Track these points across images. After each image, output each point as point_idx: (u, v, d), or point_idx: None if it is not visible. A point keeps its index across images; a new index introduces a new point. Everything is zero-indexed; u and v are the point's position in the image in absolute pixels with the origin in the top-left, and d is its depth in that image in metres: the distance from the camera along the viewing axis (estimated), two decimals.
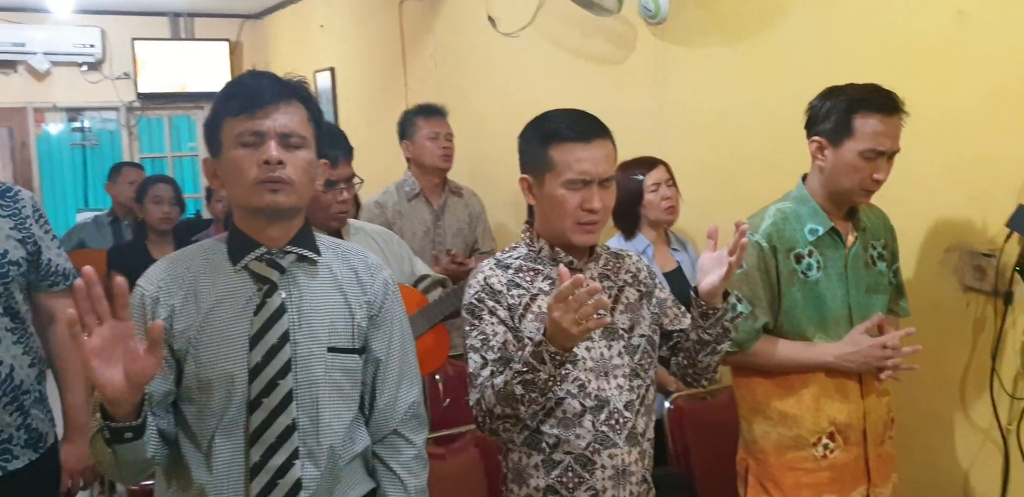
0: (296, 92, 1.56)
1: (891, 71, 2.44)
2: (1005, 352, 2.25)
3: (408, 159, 3.51)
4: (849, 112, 2.02)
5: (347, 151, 2.39)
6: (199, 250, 1.62)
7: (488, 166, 4.38)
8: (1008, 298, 2.22)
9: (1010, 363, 2.24)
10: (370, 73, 6.07)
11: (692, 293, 1.78)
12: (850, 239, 2.13)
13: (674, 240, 3.01)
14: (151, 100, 7.87)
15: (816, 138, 2.09)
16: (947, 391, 2.38)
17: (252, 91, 1.52)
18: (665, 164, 2.90)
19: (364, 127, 6.25)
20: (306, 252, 1.60)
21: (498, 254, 1.88)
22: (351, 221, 2.49)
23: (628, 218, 2.90)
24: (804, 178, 2.20)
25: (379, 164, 6.05)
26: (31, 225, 2.05)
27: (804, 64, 2.74)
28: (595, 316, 1.53)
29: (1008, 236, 2.21)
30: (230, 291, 1.55)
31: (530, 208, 1.89)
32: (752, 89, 2.94)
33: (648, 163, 2.90)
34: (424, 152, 3.42)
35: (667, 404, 2.62)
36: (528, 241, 1.86)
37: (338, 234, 2.37)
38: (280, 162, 1.50)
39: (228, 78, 7.88)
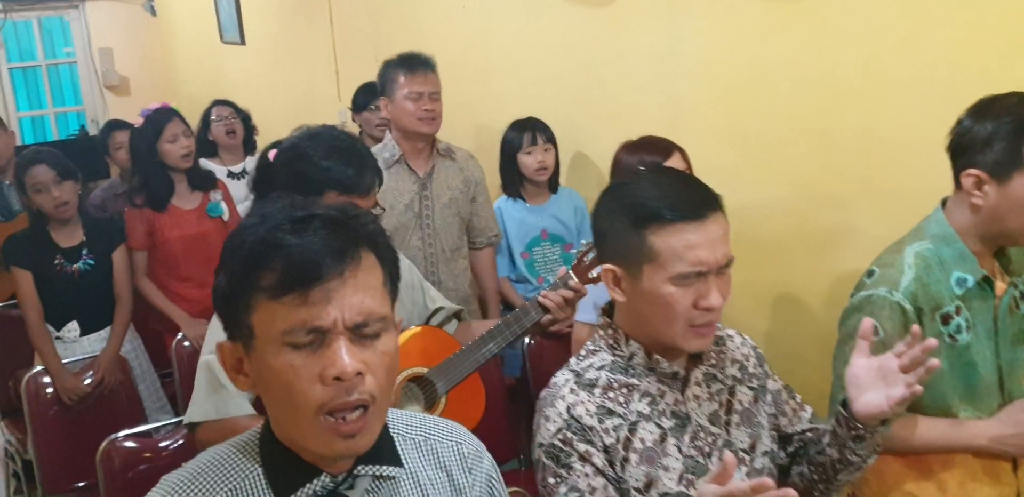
0: (366, 241, 0.99)
1: (1013, 38, 1.93)
2: None
3: (387, 119, 2.89)
4: (1019, 135, 1.55)
5: (378, 175, 1.91)
6: (220, 470, 1.05)
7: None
8: None
9: None
10: None
11: (841, 409, 1.37)
12: (1000, 286, 1.70)
13: None
14: (15, 0, 6.70)
15: (973, 172, 1.60)
16: None
17: (299, 257, 0.94)
18: (681, 150, 2.36)
19: (272, 47, 5.38)
20: (386, 469, 1.06)
21: (573, 362, 1.42)
22: None
23: None
24: (943, 204, 1.73)
25: (288, 100, 5.25)
26: None
27: (880, 16, 2.18)
28: None
29: None
30: None
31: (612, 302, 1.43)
32: (800, 42, 2.37)
33: (661, 148, 2.34)
34: (403, 114, 2.79)
35: None
36: (612, 343, 1.41)
37: None
38: (359, 373, 0.94)
39: None
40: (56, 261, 3.03)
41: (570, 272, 1.99)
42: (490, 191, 3.11)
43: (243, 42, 5.62)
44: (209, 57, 6.19)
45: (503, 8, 3.42)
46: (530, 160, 3.02)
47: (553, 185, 3.13)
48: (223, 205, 3.34)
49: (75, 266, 3.06)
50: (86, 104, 7.23)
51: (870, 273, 1.75)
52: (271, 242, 0.95)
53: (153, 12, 7.07)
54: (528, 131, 3.03)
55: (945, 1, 2.05)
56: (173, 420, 2.62)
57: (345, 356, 0.93)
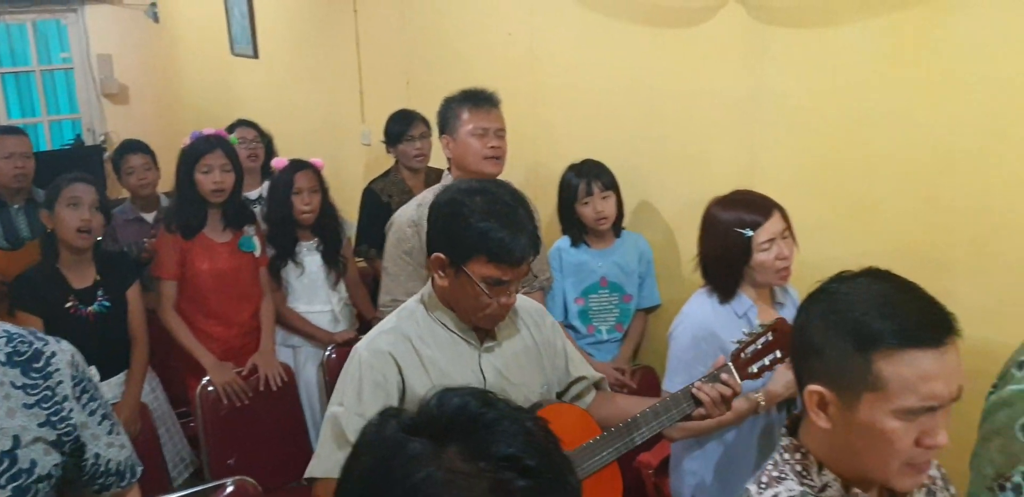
0: None
1: None
2: None
3: (449, 159, 2.72)
4: None
5: (535, 243, 1.77)
6: None
7: None
8: None
9: None
10: None
11: None
12: None
13: (777, 291, 2.36)
14: (9, 2, 6.45)
15: None
16: None
17: None
18: (781, 209, 2.19)
19: (288, 63, 5.18)
20: None
21: (752, 489, 1.24)
22: None
23: (728, 278, 2.23)
24: None
25: (307, 120, 5.02)
26: (70, 410, 1.36)
27: (1011, 73, 2.02)
28: None
29: None
30: None
31: (795, 419, 1.29)
32: (914, 95, 2.20)
33: (759, 206, 2.17)
34: (467, 152, 2.61)
35: None
36: (801, 470, 1.22)
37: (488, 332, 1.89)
38: None
39: None
40: (69, 303, 2.80)
41: (729, 365, 1.84)
42: (545, 230, 2.92)
43: (256, 56, 5.40)
44: (217, 69, 5.96)
45: (554, 36, 3.24)
46: (588, 211, 2.87)
47: (617, 229, 2.97)
48: (255, 240, 3.13)
49: (90, 309, 2.83)
50: (82, 112, 6.97)
51: (1020, 365, 1.58)
52: None
53: (156, 18, 6.83)
54: (584, 179, 2.86)
55: None
56: (199, 487, 2.45)
57: None
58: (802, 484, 1.21)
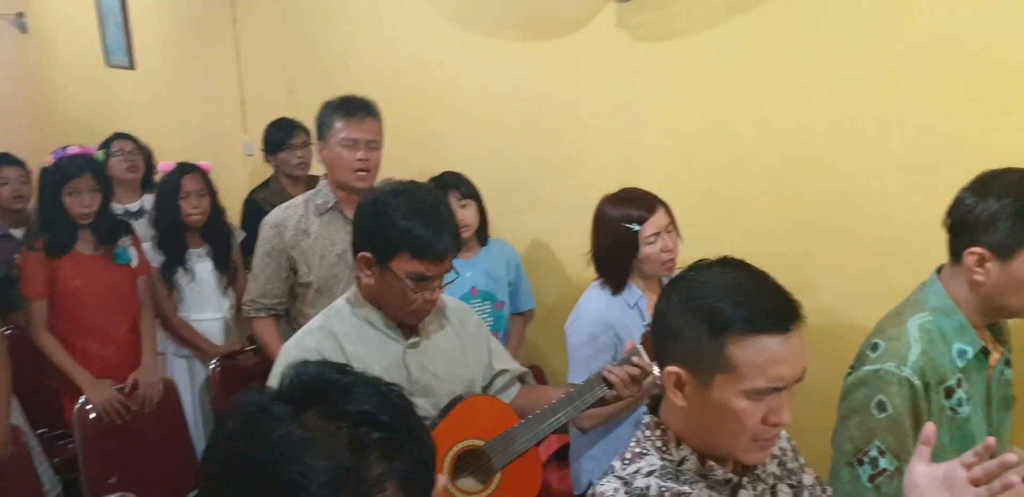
0: None
1: (983, 103, 1.93)
2: None
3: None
4: (1022, 216, 1.54)
5: (456, 241, 1.85)
6: None
7: None
8: None
9: None
10: None
11: None
12: (994, 356, 1.70)
13: (665, 282, 2.46)
14: None
15: (977, 250, 1.58)
16: None
17: None
18: (665, 205, 2.29)
19: (167, 74, 5.06)
20: None
21: (618, 467, 1.30)
22: None
23: (619, 270, 2.32)
24: (939, 272, 1.70)
25: (187, 131, 4.93)
26: None
27: (851, 77, 2.16)
28: None
29: None
30: None
31: (656, 398, 1.36)
32: (768, 98, 2.33)
33: (645, 203, 2.27)
34: (336, 163, 2.58)
35: None
36: (660, 446, 1.29)
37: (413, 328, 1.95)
38: None
39: None
40: None
41: (639, 347, 1.89)
42: None
43: (132, 66, 5.25)
44: (92, 81, 5.76)
45: (436, 45, 3.28)
46: None
47: (483, 238, 2.97)
48: (131, 251, 3.04)
49: None
50: None
51: (874, 346, 1.70)
52: None
53: (24, 28, 6.55)
54: (442, 190, 2.85)
55: (916, 65, 2.04)
56: None
57: None
58: (662, 459, 1.28)
